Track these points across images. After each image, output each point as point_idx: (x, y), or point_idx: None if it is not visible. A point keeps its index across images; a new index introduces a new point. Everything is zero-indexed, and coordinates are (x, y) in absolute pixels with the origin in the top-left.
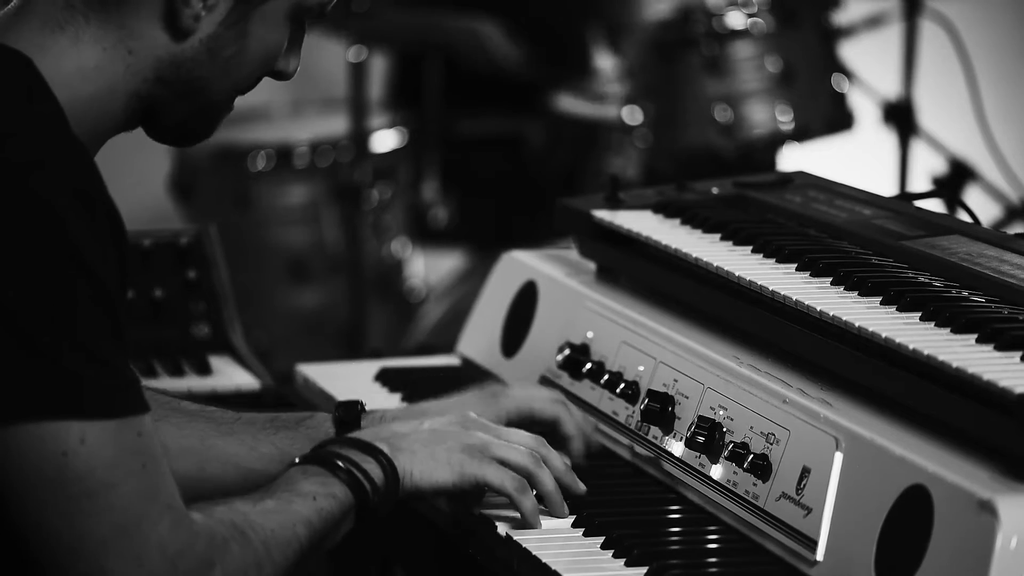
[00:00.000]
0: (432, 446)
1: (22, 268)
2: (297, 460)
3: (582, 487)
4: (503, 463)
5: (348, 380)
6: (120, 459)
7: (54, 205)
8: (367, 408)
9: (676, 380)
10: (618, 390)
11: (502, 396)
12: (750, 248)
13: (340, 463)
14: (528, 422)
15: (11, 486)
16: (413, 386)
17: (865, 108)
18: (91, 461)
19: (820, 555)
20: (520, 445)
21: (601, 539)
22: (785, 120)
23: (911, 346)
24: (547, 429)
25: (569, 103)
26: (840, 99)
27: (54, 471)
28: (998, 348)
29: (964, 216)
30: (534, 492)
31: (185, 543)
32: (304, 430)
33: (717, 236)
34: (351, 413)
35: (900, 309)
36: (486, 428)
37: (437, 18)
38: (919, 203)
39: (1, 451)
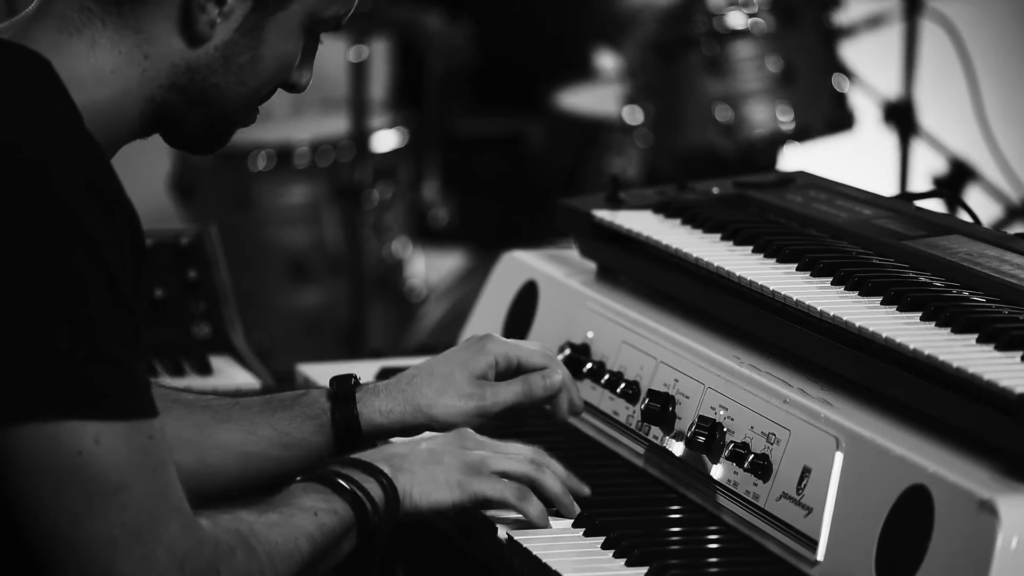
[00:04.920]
0: (430, 466)
1: (40, 267)
2: (298, 479)
3: (585, 489)
4: (503, 475)
5: None
6: (133, 460)
7: (72, 205)
8: (361, 381)
9: (677, 380)
10: (619, 390)
11: (489, 343)
12: (750, 248)
13: (342, 482)
14: (515, 371)
15: (22, 485)
16: None
17: (866, 108)
18: (105, 461)
19: (821, 555)
20: (519, 455)
21: (601, 539)
22: (785, 120)
23: (911, 346)
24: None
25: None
26: (840, 99)
27: (68, 471)
28: (998, 348)
29: (965, 216)
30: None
31: (193, 546)
32: (300, 408)
33: (717, 236)
34: (344, 387)
35: (900, 309)
36: (482, 445)
37: (385, 6)
38: (920, 203)
39: (14, 450)
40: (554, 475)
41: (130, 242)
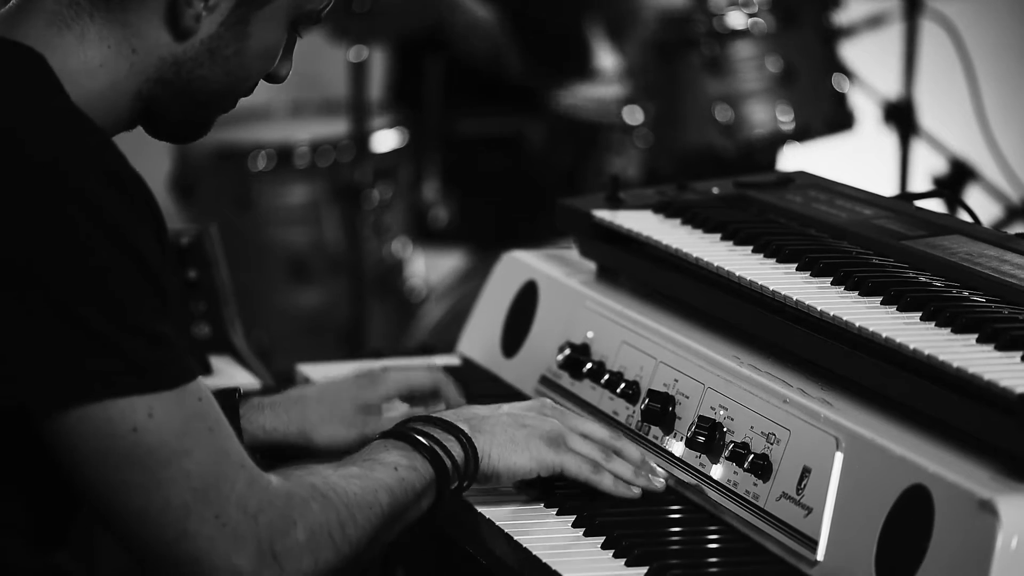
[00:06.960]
0: (511, 430)
1: (69, 258)
2: (378, 435)
3: (659, 484)
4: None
5: None
6: (188, 425)
7: (88, 193)
8: (243, 392)
9: (676, 380)
10: (619, 390)
11: (380, 379)
12: (750, 248)
13: (422, 439)
14: (410, 397)
15: (85, 468)
16: None
17: (866, 108)
18: (161, 432)
19: (821, 555)
20: (593, 435)
21: (601, 539)
22: (786, 120)
23: (911, 346)
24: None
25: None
26: (841, 99)
27: (127, 448)
28: (998, 348)
29: (965, 216)
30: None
31: (264, 500)
32: None
33: (717, 236)
34: (229, 401)
35: (900, 309)
36: (563, 416)
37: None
38: (920, 203)
39: (73, 434)
40: (624, 463)
41: (150, 214)
